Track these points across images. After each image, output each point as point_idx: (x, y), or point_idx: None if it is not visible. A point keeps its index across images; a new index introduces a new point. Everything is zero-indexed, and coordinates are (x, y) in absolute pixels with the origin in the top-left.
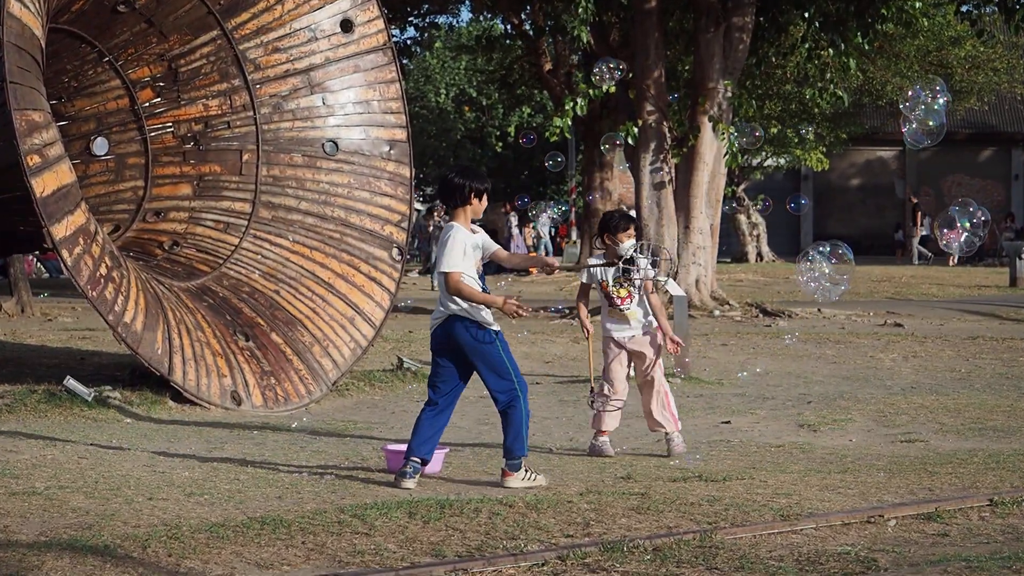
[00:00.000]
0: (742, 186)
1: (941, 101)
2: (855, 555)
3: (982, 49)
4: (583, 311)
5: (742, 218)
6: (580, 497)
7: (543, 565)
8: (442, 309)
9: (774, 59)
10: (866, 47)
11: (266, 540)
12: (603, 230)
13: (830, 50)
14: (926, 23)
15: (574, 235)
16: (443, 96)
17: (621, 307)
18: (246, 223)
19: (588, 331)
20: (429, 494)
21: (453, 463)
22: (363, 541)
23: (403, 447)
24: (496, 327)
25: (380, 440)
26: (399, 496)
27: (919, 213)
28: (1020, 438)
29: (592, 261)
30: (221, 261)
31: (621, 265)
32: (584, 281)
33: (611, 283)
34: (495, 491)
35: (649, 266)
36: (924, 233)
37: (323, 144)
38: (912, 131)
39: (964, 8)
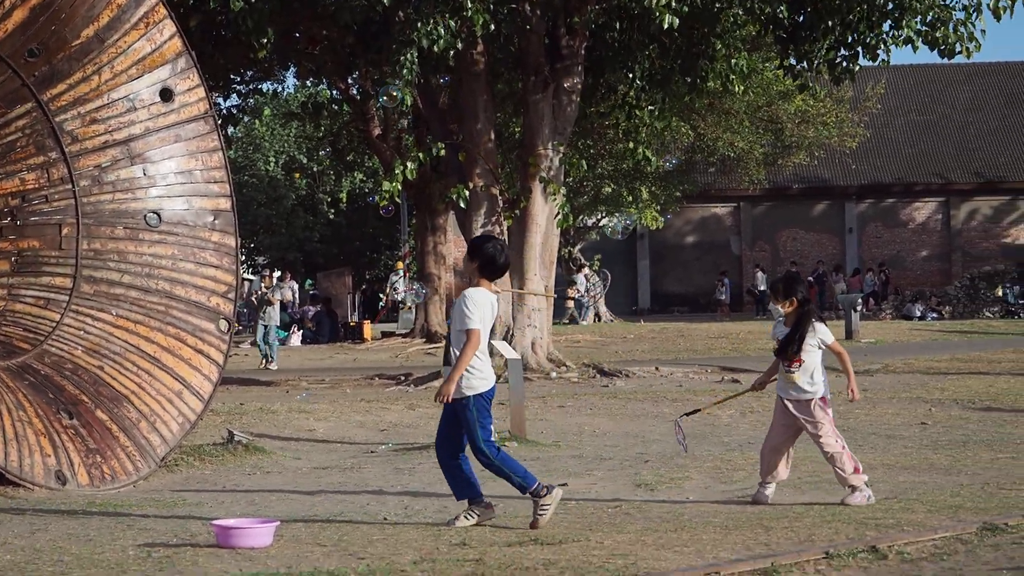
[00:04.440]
0: (578, 246)
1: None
2: None
3: (812, 103)
4: None
5: (580, 278)
6: (414, 566)
7: None
8: None
9: (602, 119)
10: (693, 104)
11: None
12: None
13: (648, 108)
14: (741, 88)
15: (409, 301)
16: (272, 164)
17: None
18: (67, 298)
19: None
20: (259, 568)
21: (285, 535)
22: None
23: (232, 522)
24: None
25: (209, 516)
26: (229, 572)
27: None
28: None
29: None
30: (42, 338)
31: None
32: None
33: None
34: (327, 562)
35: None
36: (763, 288)
37: (145, 216)
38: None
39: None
